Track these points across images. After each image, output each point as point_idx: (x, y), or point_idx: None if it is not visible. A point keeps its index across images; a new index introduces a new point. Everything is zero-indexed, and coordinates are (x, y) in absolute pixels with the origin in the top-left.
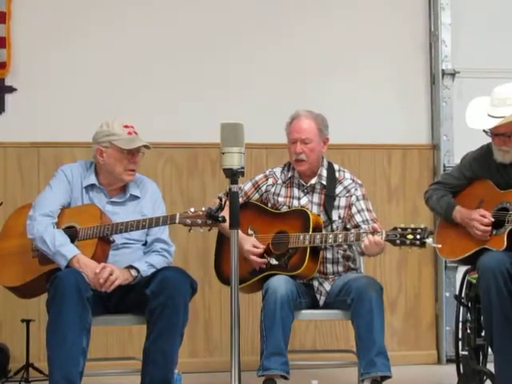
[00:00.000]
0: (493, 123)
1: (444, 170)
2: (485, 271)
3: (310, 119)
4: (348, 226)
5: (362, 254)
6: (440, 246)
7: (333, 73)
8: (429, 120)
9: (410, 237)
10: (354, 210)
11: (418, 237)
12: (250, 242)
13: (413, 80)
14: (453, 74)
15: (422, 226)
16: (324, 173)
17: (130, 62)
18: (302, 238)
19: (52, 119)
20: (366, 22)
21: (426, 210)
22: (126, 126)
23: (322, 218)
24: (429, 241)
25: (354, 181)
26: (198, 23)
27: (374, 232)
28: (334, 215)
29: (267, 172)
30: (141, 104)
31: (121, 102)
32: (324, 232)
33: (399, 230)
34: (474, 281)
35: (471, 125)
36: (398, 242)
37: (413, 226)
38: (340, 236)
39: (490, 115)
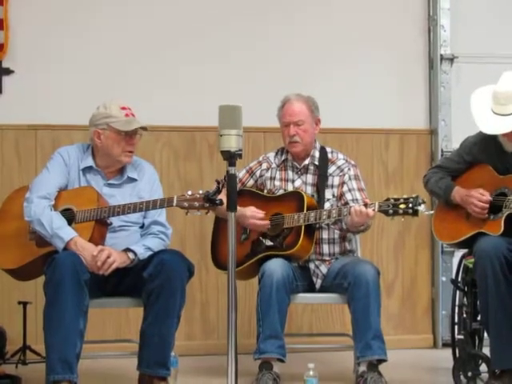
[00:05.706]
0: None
1: (442, 155)
2: (481, 256)
3: (300, 102)
4: (338, 205)
5: (347, 230)
6: (432, 212)
7: (331, 58)
8: (427, 105)
9: (403, 206)
10: (345, 188)
11: (411, 205)
12: (250, 210)
13: (411, 65)
14: (451, 59)
15: (414, 195)
16: (316, 154)
17: (129, 44)
18: (296, 217)
19: (50, 102)
20: (365, 7)
21: (424, 195)
22: (124, 108)
23: (315, 197)
24: (421, 208)
25: (347, 161)
26: (200, 6)
27: (366, 205)
28: (328, 194)
29: (261, 158)
30: (139, 87)
31: (119, 85)
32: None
33: (392, 200)
34: (471, 265)
35: (485, 129)
36: (390, 211)
37: (405, 196)
38: (334, 212)
39: (501, 114)
